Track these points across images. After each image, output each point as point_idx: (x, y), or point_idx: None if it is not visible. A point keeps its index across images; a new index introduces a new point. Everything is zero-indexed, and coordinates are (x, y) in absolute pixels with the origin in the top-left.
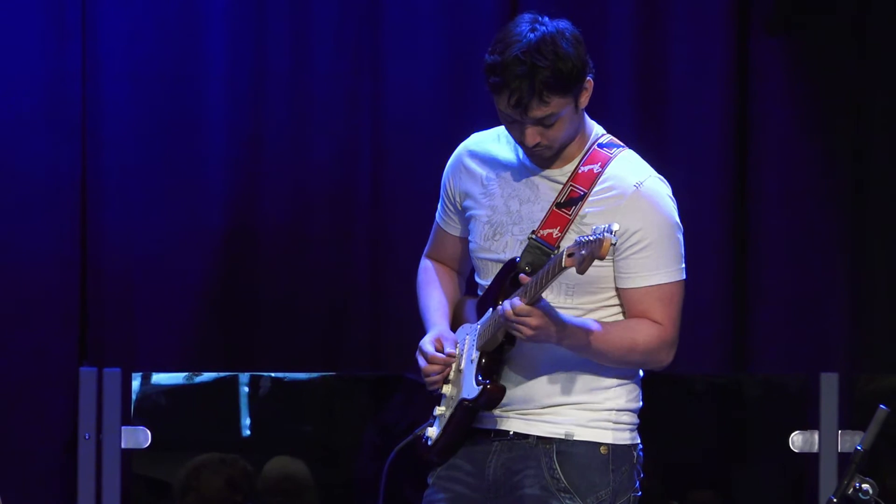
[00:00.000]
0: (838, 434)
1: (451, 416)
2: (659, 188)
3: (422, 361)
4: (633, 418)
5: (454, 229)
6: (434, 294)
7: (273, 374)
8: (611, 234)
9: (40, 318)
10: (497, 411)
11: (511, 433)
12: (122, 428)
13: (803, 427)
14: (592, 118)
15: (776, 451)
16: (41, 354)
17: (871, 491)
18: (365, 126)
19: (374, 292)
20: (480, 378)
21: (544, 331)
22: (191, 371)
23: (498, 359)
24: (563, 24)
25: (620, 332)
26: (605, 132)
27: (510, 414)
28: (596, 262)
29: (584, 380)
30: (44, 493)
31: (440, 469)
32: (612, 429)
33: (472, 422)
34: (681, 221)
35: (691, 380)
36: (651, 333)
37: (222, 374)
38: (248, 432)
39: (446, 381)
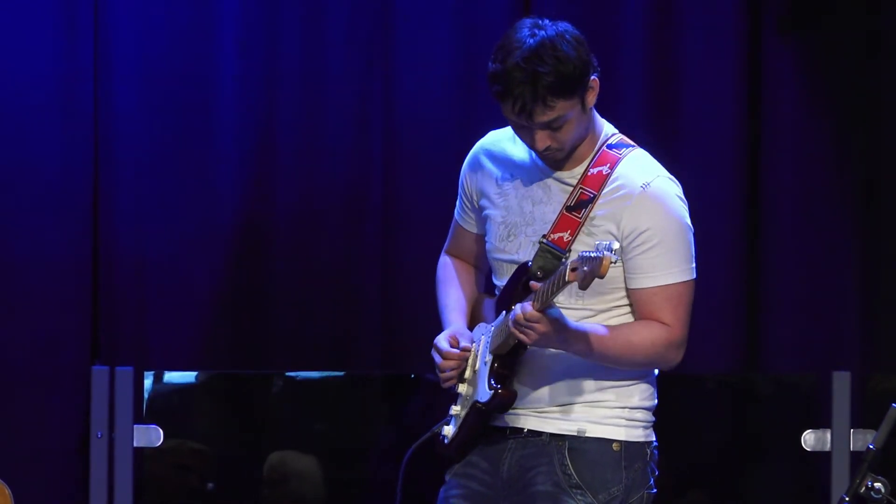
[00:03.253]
0: (850, 433)
1: (466, 416)
2: (667, 188)
3: (437, 357)
4: (648, 416)
5: (472, 227)
6: (452, 293)
7: (285, 373)
8: (611, 252)
9: (52, 317)
10: (512, 409)
11: (525, 431)
12: (134, 426)
13: (815, 426)
14: (605, 118)
15: (788, 450)
16: (53, 353)
17: (883, 490)
18: (377, 126)
19: (386, 291)
20: (493, 382)
21: (548, 336)
22: (203, 369)
23: (511, 362)
24: (563, 25)
25: (626, 335)
26: (615, 131)
27: (525, 412)
28: None
29: (598, 378)
30: (56, 491)
31: (457, 466)
32: (625, 426)
33: (486, 424)
34: (693, 220)
35: (703, 379)
36: (659, 335)
37: (234, 372)
38: (258, 430)
39: (462, 379)
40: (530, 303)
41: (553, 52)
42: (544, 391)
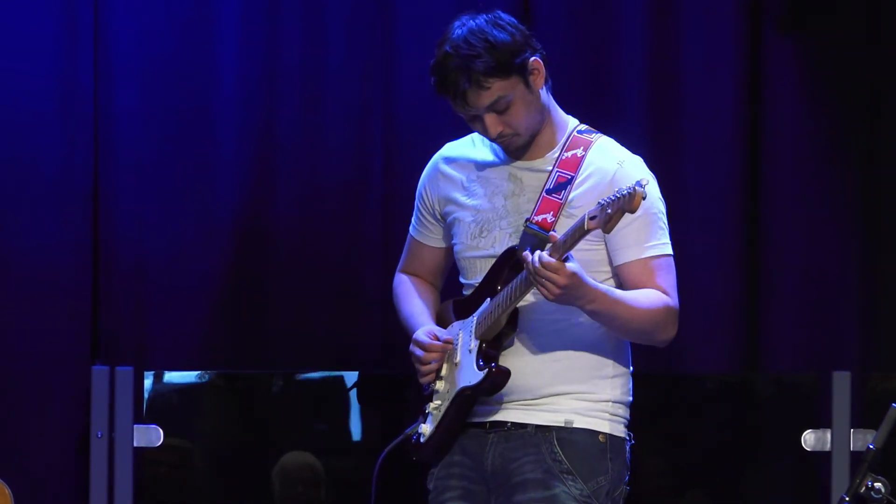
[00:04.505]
0: (850, 433)
1: (448, 408)
2: (641, 164)
3: (418, 352)
4: (626, 412)
5: (432, 240)
6: (415, 302)
7: (285, 373)
8: (641, 188)
9: (53, 317)
10: (493, 403)
11: (509, 424)
12: (135, 426)
13: (815, 426)
14: (605, 119)
15: (788, 450)
16: (53, 353)
17: (883, 490)
18: (376, 127)
19: (386, 291)
20: (482, 363)
21: (571, 290)
22: (203, 369)
23: (497, 345)
24: (497, 13)
25: (640, 297)
26: (579, 122)
27: (507, 405)
28: (587, 245)
29: (582, 370)
30: (56, 491)
31: (438, 470)
32: (609, 420)
33: (469, 413)
34: (693, 220)
35: (703, 379)
36: (663, 301)
37: (234, 372)
38: (259, 430)
39: (439, 376)
40: (548, 251)
41: (482, 36)
42: (528, 382)
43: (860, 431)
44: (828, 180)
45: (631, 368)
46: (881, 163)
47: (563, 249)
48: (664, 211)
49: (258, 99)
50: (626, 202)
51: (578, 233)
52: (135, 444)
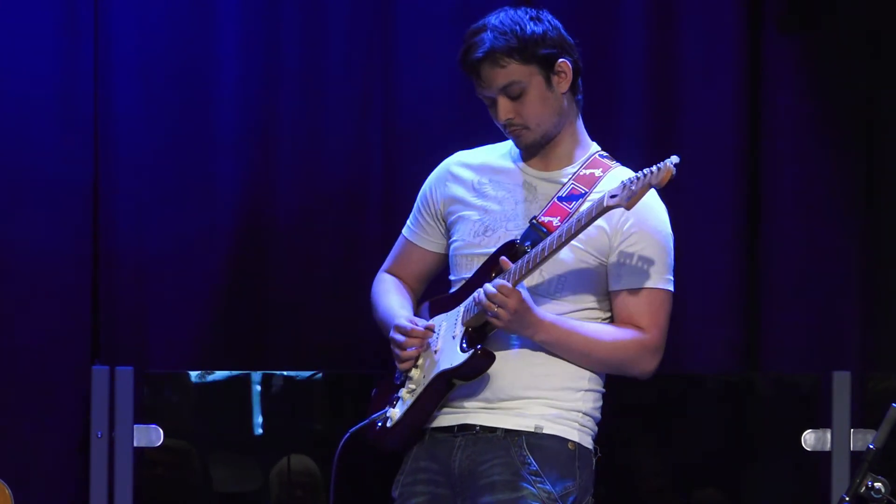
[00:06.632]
0: (850, 433)
1: (423, 392)
2: (656, 197)
3: (399, 337)
4: (595, 427)
5: (425, 242)
6: (395, 297)
7: (285, 373)
8: (672, 165)
9: (53, 316)
10: (461, 407)
11: (477, 427)
12: (135, 426)
13: (815, 426)
14: (605, 119)
15: (788, 450)
16: (53, 352)
17: (883, 489)
18: (377, 127)
19: None
20: (466, 346)
21: (521, 317)
22: (203, 369)
23: (483, 332)
24: (542, 11)
25: (599, 333)
26: (601, 148)
27: (475, 408)
28: (589, 261)
29: (557, 377)
30: (56, 491)
31: (403, 477)
32: (578, 429)
33: (443, 400)
34: (693, 220)
35: (703, 379)
36: (629, 338)
37: (234, 372)
38: (259, 430)
39: (415, 365)
40: (501, 277)
41: (514, 20)
42: (498, 385)
43: (860, 431)
44: (828, 180)
45: (603, 389)
46: (881, 163)
47: (518, 275)
48: (672, 247)
49: (258, 98)
50: (655, 177)
51: (597, 209)
52: (135, 444)
